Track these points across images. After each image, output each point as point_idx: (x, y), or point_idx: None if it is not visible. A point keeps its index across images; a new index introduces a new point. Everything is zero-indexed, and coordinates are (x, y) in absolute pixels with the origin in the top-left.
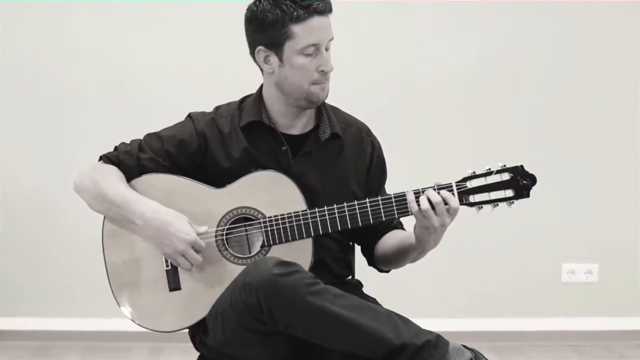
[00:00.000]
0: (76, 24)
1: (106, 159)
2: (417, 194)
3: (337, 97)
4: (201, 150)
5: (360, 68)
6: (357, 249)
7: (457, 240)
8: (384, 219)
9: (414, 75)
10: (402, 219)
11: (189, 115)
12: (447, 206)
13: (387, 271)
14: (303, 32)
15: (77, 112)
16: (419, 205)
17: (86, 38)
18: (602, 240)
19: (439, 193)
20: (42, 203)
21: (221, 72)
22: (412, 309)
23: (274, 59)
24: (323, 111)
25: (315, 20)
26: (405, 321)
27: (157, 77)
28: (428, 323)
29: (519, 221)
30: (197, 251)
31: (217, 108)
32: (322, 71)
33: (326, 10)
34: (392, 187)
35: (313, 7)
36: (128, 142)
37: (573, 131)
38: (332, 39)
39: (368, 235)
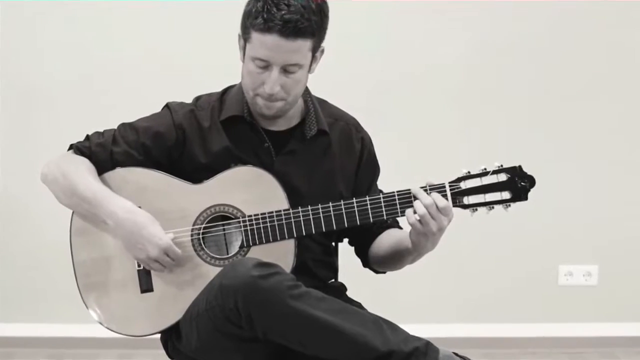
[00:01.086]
0: (42, 18)
1: (77, 149)
2: (407, 193)
3: (321, 90)
4: (178, 143)
5: (344, 60)
6: (341, 251)
7: (448, 241)
8: (371, 220)
9: (402, 67)
10: None
11: (167, 106)
12: (437, 207)
13: (384, 272)
14: (257, 42)
15: (43, 109)
16: (415, 214)
17: (52, 32)
18: (602, 239)
19: (430, 194)
20: (2, 203)
21: (198, 62)
22: (400, 313)
23: (242, 51)
24: (310, 105)
25: (271, 38)
26: (393, 327)
27: (128, 71)
28: (417, 329)
29: (512, 220)
30: (171, 258)
31: (197, 99)
32: (263, 90)
33: (290, 35)
34: (382, 186)
35: (274, 24)
36: (101, 131)
37: (572, 125)
38: (295, 64)
39: (362, 236)
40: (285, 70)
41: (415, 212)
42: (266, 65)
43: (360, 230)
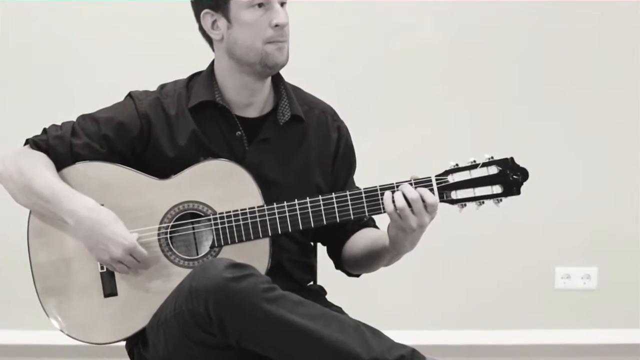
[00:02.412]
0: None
1: (33, 143)
2: (391, 189)
3: (295, 74)
4: (143, 134)
5: (320, 41)
6: (320, 251)
7: (435, 241)
8: (352, 217)
9: (382, 47)
10: (374, 216)
11: (130, 95)
12: (424, 203)
13: (357, 275)
14: None
15: (3, 99)
16: (394, 203)
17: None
18: (602, 239)
19: (415, 188)
20: None
21: (165, 49)
22: (384, 319)
23: (221, 21)
24: (282, 90)
25: None
26: (376, 333)
27: (93, 57)
28: (402, 335)
29: (505, 218)
30: (136, 259)
31: (162, 87)
32: (276, 25)
33: None
34: (361, 181)
35: None
36: (59, 124)
37: (571, 114)
38: None
39: (334, 235)
40: (281, 3)
41: (394, 202)
42: (265, 3)
43: (333, 229)
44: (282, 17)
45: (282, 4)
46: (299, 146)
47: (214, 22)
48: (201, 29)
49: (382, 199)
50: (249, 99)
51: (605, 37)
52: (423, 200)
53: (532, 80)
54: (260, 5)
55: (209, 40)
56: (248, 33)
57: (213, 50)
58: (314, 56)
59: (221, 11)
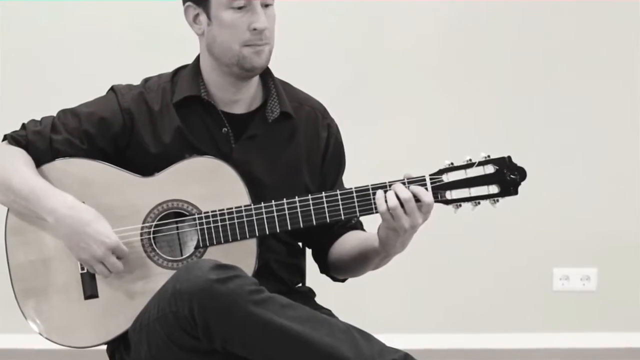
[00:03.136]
0: None
1: (11, 139)
2: (384, 188)
3: (284, 70)
4: (126, 130)
5: (311, 36)
6: (308, 252)
7: (428, 241)
8: (343, 217)
9: (374, 42)
10: (362, 218)
11: (112, 89)
12: (418, 203)
13: (343, 280)
14: None
15: None
16: (386, 202)
17: None
18: (601, 239)
19: (408, 188)
20: None
21: (150, 39)
22: (375, 322)
23: (203, 16)
24: (271, 86)
25: None
26: (367, 337)
27: (74, 50)
28: (394, 339)
29: (501, 217)
30: (118, 258)
31: (146, 80)
32: (254, 29)
33: None
34: (352, 181)
35: None
36: (38, 119)
37: (569, 111)
38: None
39: (321, 237)
40: (265, 5)
41: (386, 201)
42: (247, 3)
43: (320, 230)
44: (261, 22)
45: (267, 6)
46: (288, 144)
47: (196, 15)
48: (187, 19)
49: (374, 198)
50: (235, 96)
51: (606, 30)
52: (418, 200)
53: (530, 77)
54: (240, 7)
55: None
56: (226, 34)
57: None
58: (304, 51)
59: (202, 6)
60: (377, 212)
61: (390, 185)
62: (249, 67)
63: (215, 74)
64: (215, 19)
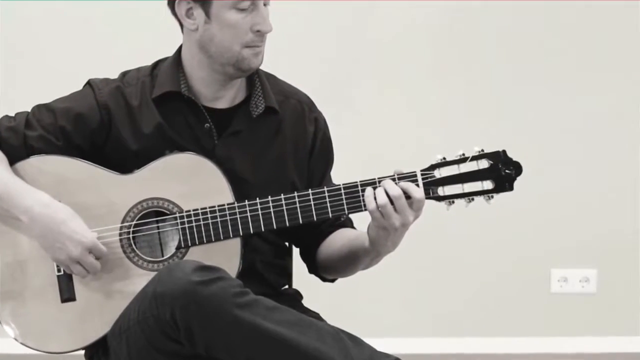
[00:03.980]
0: None
1: None
2: (373, 185)
3: (269, 62)
4: (103, 126)
5: (297, 26)
6: (296, 252)
7: (420, 240)
8: (330, 215)
9: (363, 32)
10: (352, 216)
11: (89, 83)
12: (409, 200)
13: (332, 280)
14: None
15: None
16: (375, 200)
17: None
18: (601, 239)
19: (398, 184)
20: None
21: (129, 30)
22: (365, 326)
23: (198, 12)
24: (256, 79)
25: None
26: (356, 341)
27: (48, 41)
28: (385, 344)
29: (496, 216)
30: (96, 257)
31: (124, 74)
32: (257, 31)
33: None
34: (340, 177)
35: None
36: (12, 114)
37: (567, 105)
38: None
39: (309, 235)
40: (264, 2)
41: (375, 199)
42: (252, 4)
43: (308, 229)
44: (267, 25)
45: (265, 4)
46: (273, 139)
47: (189, 9)
48: (173, 10)
49: (362, 195)
50: (218, 92)
51: (606, 21)
52: (408, 197)
53: (527, 68)
54: (244, 9)
55: (180, 23)
56: (227, 34)
57: (182, 31)
58: (290, 42)
59: (200, 2)
60: (366, 210)
61: (379, 182)
62: (246, 68)
63: (202, 70)
64: (216, 17)
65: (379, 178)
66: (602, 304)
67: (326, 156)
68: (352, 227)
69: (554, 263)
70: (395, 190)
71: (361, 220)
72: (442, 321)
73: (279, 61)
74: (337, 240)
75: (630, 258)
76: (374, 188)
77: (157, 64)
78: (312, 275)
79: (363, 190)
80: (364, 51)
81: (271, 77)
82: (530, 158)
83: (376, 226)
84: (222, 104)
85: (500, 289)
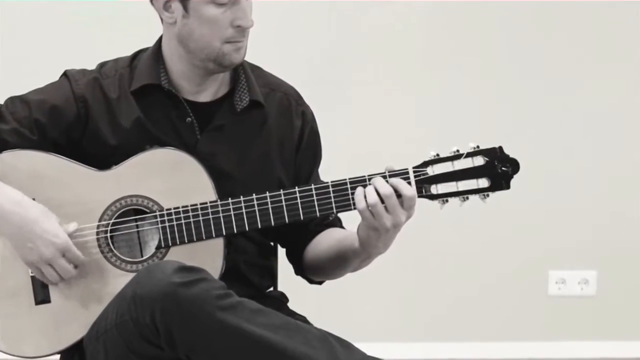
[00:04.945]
0: None
1: None
2: (363, 183)
3: (255, 53)
4: (80, 120)
5: (284, 17)
6: (282, 253)
7: (413, 241)
8: (318, 214)
9: (353, 22)
10: (341, 216)
11: (65, 74)
12: (400, 198)
13: (320, 283)
14: None
15: None
16: (365, 199)
17: None
18: (601, 239)
19: (388, 181)
20: None
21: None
22: (354, 329)
23: (177, 6)
24: (240, 72)
25: None
26: (345, 345)
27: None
28: (375, 348)
29: (492, 215)
30: (69, 261)
31: (102, 65)
32: (238, 26)
33: None
34: (328, 174)
35: None
36: None
37: (566, 99)
38: None
39: (295, 235)
40: None
41: (365, 198)
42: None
43: (295, 228)
44: (248, 20)
45: None
46: (258, 134)
47: (167, 2)
48: (151, 2)
49: (352, 193)
50: (200, 86)
51: (608, 12)
52: (399, 195)
53: (524, 60)
54: (223, 3)
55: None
56: (206, 30)
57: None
58: (277, 32)
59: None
60: (355, 209)
61: (370, 179)
62: (227, 64)
63: (182, 64)
64: (194, 12)
65: (369, 175)
66: (602, 307)
67: (313, 152)
68: (341, 226)
69: (551, 264)
70: (385, 188)
71: (351, 220)
72: (434, 325)
73: (265, 52)
74: (325, 241)
75: (632, 259)
76: (364, 186)
77: (136, 55)
78: (299, 277)
79: (353, 188)
80: (354, 42)
81: (257, 69)
82: (528, 154)
83: (366, 226)
84: (205, 97)
85: (495, 291)
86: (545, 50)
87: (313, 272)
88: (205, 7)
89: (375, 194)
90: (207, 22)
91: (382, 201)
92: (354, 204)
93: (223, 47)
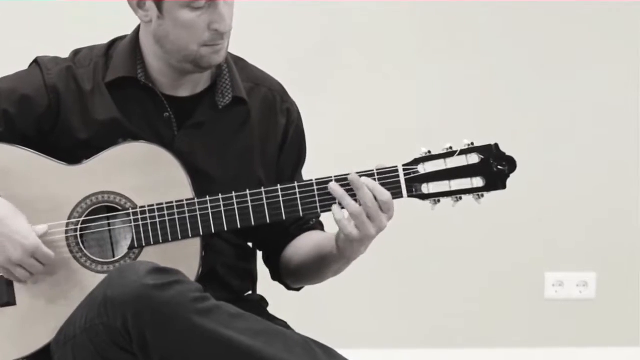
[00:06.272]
0: None
1: None
2: (346, 180)
3: (239, 45)
4: (51, 111)
5: (269, 7)
6: (261, 255)
7: (399, 242)
8: (301, 214)
9: (341, 13)
10: (323, 218)
11: (36, 61)
12: (377, 202)
13: (298, 289)
14: None
15: None
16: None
17: None
18: (601, 239)
19: (364, 184)
20: None
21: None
22: (338, 335)
23: (151, 5)
24: (223, 65)
25: None
26: (329, 352)
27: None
28: (359, 355)
29: (485, 214)
30: (38, 261)
31: (76, 53)
32: (215, 30)
33: None
34: (314, 174)
35: None
36: None
37: (564, 94)
38: None
39: (273, 237)
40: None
41: (343, 209)
42: (206, 3)
43: (272, 230)
44: (225, 24)
45: (225, 1)
46: (239, 132)
47: (141, 0)
48: None
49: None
50: (178, 81)
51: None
52: (376, 199)
53: (521, 53)
54: (199, 7)
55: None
56: (182, 33)
57: None
58: (261, 24)
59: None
60: (343, 208)
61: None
62: (205, 66)
63: (159, 62)
64: (168, 14)
65: (356, 173)
66: (602, 311)
67: (298, 152)
68: (322, 229)
69: (548, 265)
70: (367, 196)
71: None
72: (421, 331)
73: (248, 43)
74: (305, 244)
75: (633, 260)
76: (352, 194)
77: (113, 43)
78: None
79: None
80: (343, 33)
81: (240, 62)
82: (524, 152)
83: (350, 241)
84: (184, 91)
85: (487, 294)
86: (545, 49)
87: (290, 277)
88: (180, 12)
89: (355, 205)
90: (183, 26)
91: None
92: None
93: (200, 50)
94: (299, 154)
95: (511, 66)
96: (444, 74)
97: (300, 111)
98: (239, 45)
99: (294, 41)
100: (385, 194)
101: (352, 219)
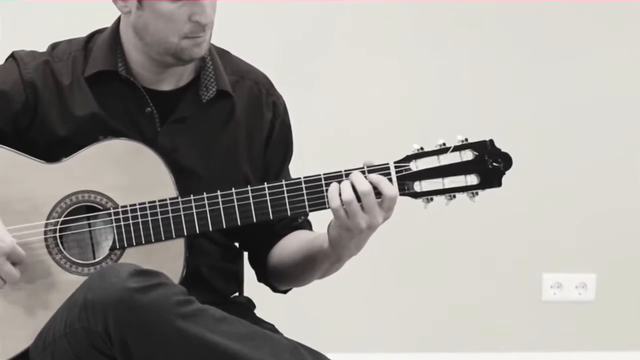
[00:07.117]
0: None
1: None
2: (338, 178)
3: (224, 37)
4: (28, 107)
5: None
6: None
7: (391, 241)
8: (289, 213)
9: (334, 1)
10: (311, 218)
11: (13, 56)
12: (379, 197)
13: (285, 291)
14: None
15: None
16: (340, 196)
17: None
18: (601, 240)
19: (366, 177)
20: None
21: None
22: (327, 339)
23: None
24: (207, 58)
25: None
26: (318, 357)
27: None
28: (349, 359)
29: (480, 213)
30: (14, 264)
31: (54, 47)
32: (196, 21)
33: None
34: (300, 171)
35: None
36: None
37: (562, 87)
38: None
39: (260, 237)
40: None
41: (340, 195)
42: None
43: (259, 229)
44: (206, 15)
45: None
46: (224, 127)
47: None
48: None
49: (327, 190)
50: (160, 75)
51: None
52: (378, 193)
53: (516, 48)
54: None
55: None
56: (162, 25)
57: None
58: (248, 15)
59: None
60: (329, 208)
61: (346, 175)
62: (187, 59)
63: (140, 55)
64: (148, 5)
65: (345, 171)
66: (601, 313)
67: (284, 147)
68: (310, 228)
69: (545, 266)
70: (364, 185)
71: (323, 222)
72: (413, 334)
73: (233, 35)
74: (293, 243)
75: (635, 260)
76: (340, 182)
77: (92, 36)
78: None
79: (327, 185)
80: (333, 26)
81: (225, 54)
82: (521, 148)
83: (339, 226)
84: (167, 85)
85: (483, 296)
86: (541, 44)
87: (278, 277)
88: (160, 2)
89: (351, 190)
90: (162, 18)
91: (359, 199)
92: (327, 201)
93: (181, 43)
94: (286, 149)
95: (507, 58)
96: (436, 68)
97: (287, 105)
98: (224, 37)
99: (282, 31)
100: (392, 190)
101: (345, 206)
